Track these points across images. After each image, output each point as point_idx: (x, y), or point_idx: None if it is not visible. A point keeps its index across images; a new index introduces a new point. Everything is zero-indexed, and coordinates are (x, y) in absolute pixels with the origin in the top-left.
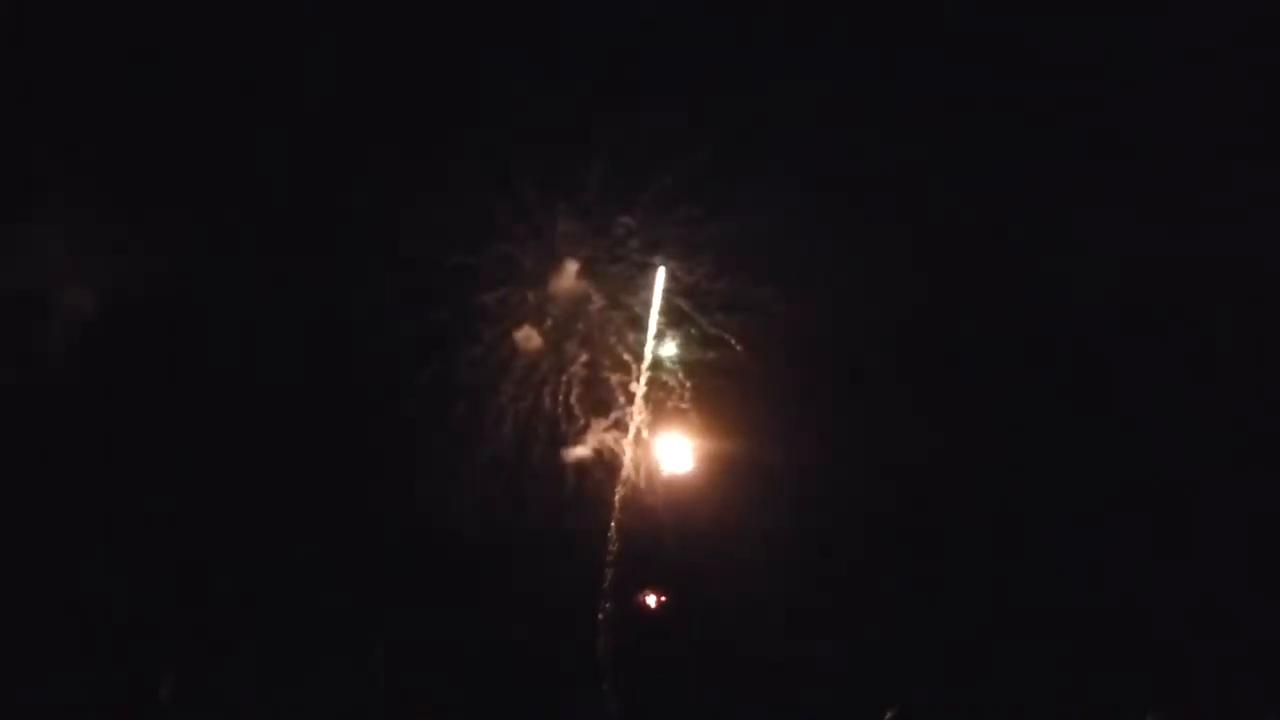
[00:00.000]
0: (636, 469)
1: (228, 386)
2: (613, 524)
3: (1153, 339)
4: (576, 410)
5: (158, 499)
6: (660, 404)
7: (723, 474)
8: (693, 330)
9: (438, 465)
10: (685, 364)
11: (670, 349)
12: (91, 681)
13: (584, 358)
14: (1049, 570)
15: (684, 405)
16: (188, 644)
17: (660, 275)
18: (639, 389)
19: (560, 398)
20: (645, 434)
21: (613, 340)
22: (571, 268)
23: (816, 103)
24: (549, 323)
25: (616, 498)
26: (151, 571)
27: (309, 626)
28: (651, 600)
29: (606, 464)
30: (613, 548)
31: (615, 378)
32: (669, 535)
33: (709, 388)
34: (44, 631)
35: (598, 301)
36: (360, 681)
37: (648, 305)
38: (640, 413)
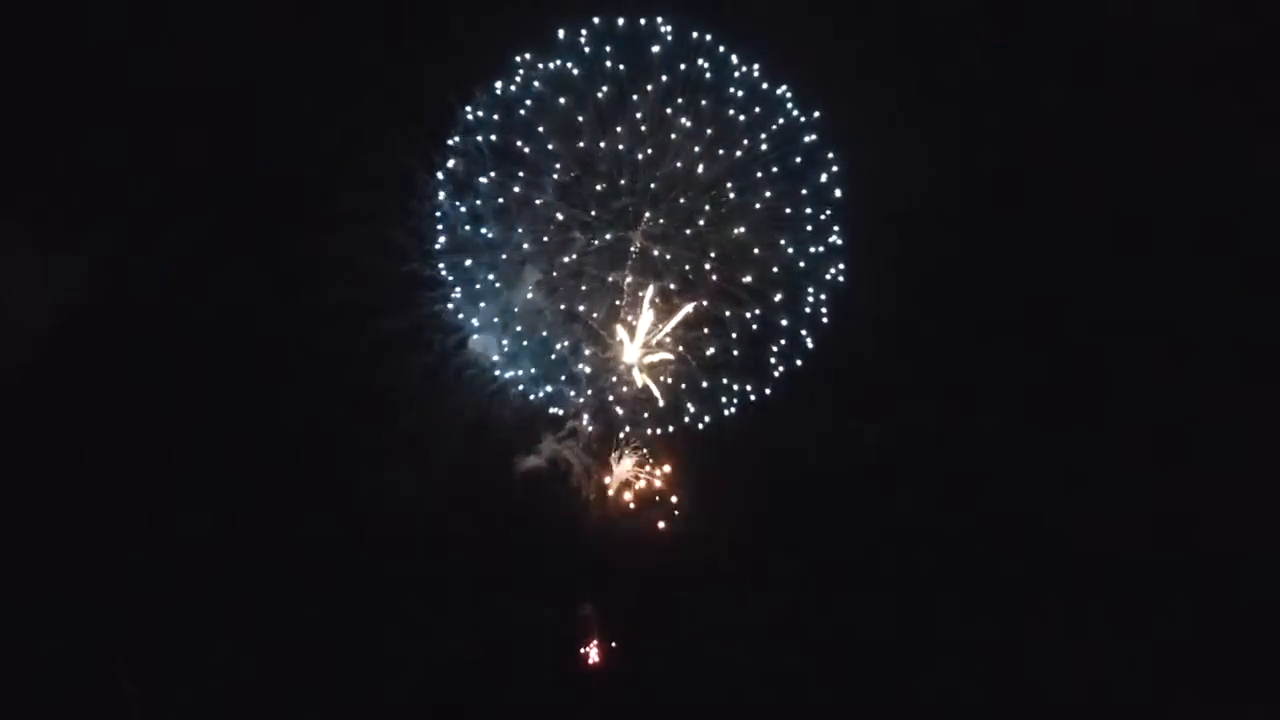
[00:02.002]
0: (589, 478)
1: (181, 397)
2: (565, 534)
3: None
4: (530, 419)
5: (102, 513)
6: (617, 413)
7: (678, 485)
8: (652, 344)
9: (388, 473)
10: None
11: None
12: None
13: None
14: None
15: (641, 417)
16: (139, 664)
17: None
18: (593, 399)
19: (516, 405)
20: (596, 445)
21: (569, 352)
22: (530, 279)
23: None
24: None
25: (566, 509)
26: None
27: (262, 642)
28: (594, 649)
29: (560, 474)
30: (562, 558)
31: (572, 388)
32: (622, 545)
33: (669, 402)
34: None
35: (553, 314)
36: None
37: (605, 321)
38: (593, 424)
